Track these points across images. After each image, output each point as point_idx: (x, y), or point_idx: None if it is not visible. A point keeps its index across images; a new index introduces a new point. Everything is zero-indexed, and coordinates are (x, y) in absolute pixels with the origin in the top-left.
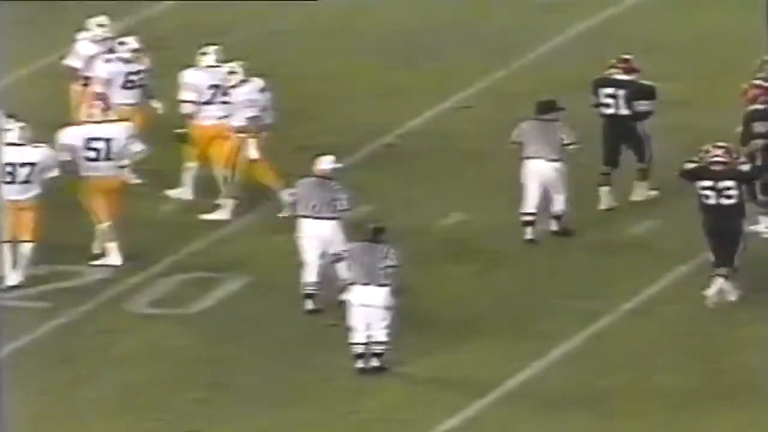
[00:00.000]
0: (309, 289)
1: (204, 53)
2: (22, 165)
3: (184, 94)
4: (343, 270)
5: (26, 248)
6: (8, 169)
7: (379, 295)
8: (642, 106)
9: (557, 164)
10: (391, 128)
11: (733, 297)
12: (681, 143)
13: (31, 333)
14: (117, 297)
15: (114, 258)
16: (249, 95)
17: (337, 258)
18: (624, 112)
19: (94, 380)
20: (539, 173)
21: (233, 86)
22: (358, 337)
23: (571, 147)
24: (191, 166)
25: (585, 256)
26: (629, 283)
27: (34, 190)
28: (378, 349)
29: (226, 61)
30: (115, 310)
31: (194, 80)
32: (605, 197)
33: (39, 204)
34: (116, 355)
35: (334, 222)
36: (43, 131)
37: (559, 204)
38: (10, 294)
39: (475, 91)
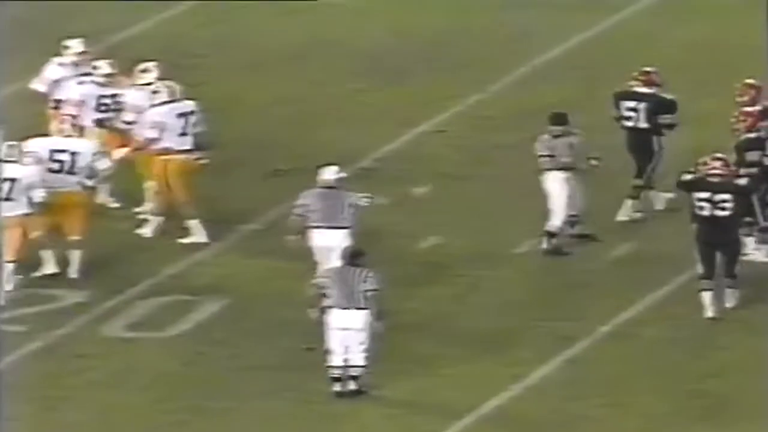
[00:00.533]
0: None
1: (144, 71)
2: (6, 180)
3: (124, 114)
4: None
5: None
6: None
7: (358, 318)
8: (665, 119)
9: (567, 174)
10: (367, 152)
11: (729, 303)
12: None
13: (7, 356)
14: (94, 320)
15: (49, 267)
16: (161, 117)
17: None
18: (643, 125)
19: (71, 404)
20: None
21: (153, 105)
22: (336, 360)
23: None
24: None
25: (562, 279)
26: (606, 305)
27: (21, 208)
28: (356, 372)
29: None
30: (92, 333)
31: (132, 100)
32: (626, 209)
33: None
34: (93, 378)
35: (344, 231)
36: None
37: (556, 219)
38: None
39: (450, 114)
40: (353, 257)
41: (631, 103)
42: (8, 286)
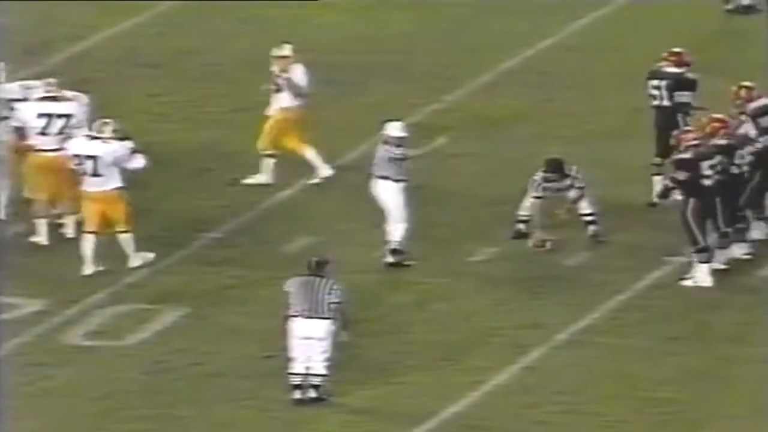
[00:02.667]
0: None
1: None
2: (87, 157)
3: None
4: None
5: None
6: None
7: (321, 327)
8: (682, 97)
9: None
10: (326, 162)
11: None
12: (608, 175)
13: None
14: (52, 329)
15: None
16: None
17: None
18: (666, 103)
19: (30, 413)
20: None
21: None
22: (298, 368)
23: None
24: None
25: (518, 287)
26: (563, 314)
27: (110, 183)
28: (317, 381)
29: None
30: (51, 342)
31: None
32: (657, 187)
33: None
34: (52, 387)
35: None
36: None
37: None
38: None
39: (407, 124)
40: (318, 267)
41: (656, 82)
42: (130, 262)
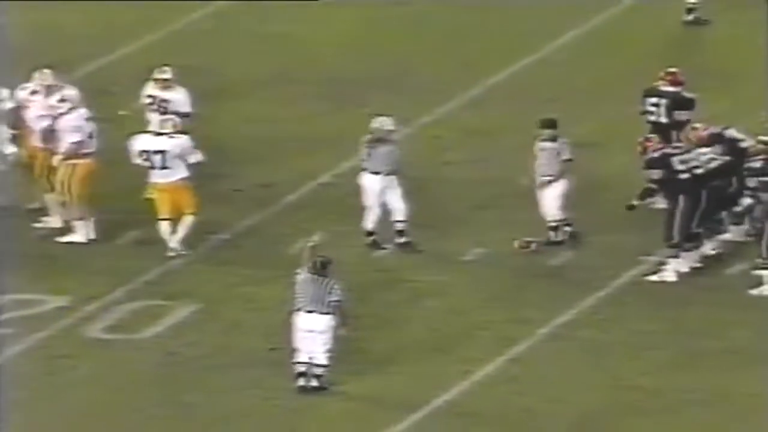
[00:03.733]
0: None
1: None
2: (156, 152)
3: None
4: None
5: (185, 221)
6: (144, 155)
7: (322, 322)
8: (681, 115)
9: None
10: (326, 169)
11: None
12: (586, 181)
13: None
14: (74, 324)
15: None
16: (75, 122)
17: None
18: (664, 120)
19: (53, 401)
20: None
21: (62, 113)
22: (301, 357)
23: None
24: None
25: (505, 285)
26: (545, 309)
27: (176, 174)
28: (319, 371)
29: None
30: (73, 335)
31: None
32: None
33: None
34: (74, 377)
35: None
36: None
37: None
38: None
39: (402, 135)
40: (322, 267)
41: (654, 99)
42: (173, 242)
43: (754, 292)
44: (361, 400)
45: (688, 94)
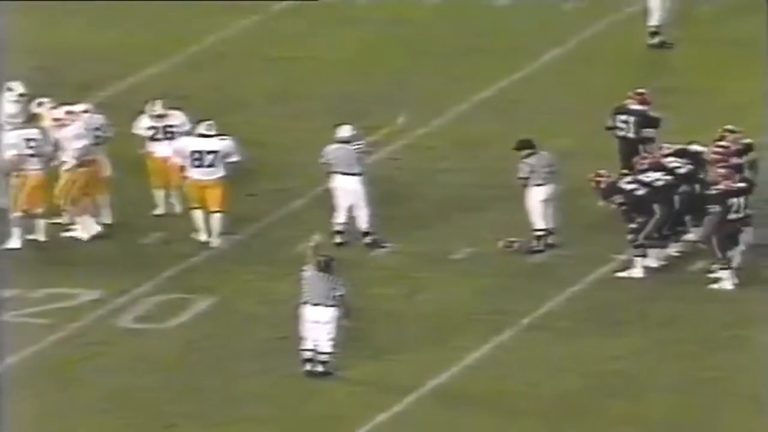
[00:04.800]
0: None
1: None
2: (208, 152)
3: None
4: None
5: (218, 217)
6: (196, 155)
7: (327, 314)
8: (648, 133)
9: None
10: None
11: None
12: (565, 187)
13: (33, 345)
14: (106, 315)
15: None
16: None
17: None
18: (631, 135)
19: (87, 385)
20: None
21: (65, 125)
22: (308, 344)
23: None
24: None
25: (491, 280)
26: (528, 302)
27: (219, 173)
28: (324, 358)
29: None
30: (105, 325)
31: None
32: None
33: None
34: (106, 363)
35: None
36: None
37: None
38: (16, 312)
39: (401, 145)
40: (327, 264)
41: (623, 117)
42: (209, 236)
43: (714, 286)
44: (363, 383)
45: (654, 114)
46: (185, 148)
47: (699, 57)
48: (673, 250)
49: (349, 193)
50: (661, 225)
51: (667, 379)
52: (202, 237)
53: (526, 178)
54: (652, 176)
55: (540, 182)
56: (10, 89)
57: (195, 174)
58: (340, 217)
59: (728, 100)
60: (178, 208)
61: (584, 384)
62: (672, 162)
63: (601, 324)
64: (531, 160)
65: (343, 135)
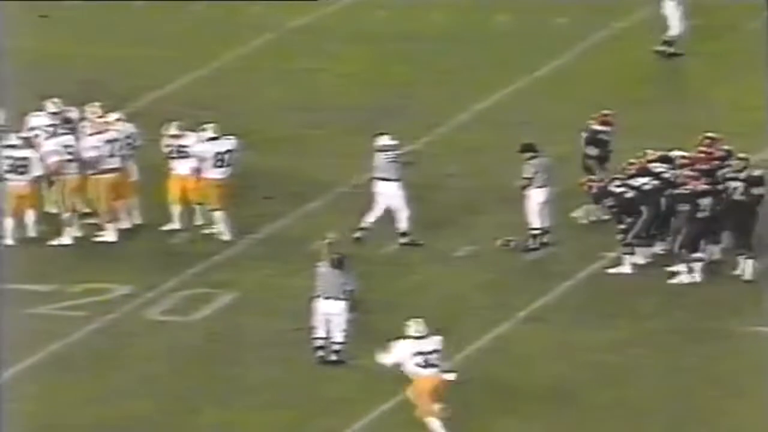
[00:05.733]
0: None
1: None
2: (226, 152)
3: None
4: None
5: (222, 214)
6: (219, 156)
7: (338, 306)
8: (590, 150)
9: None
10: (343, 180)
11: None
12: (557, 190)
13: (70, 336)
14: (137, 307)
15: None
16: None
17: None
18: (585, 151)
19: (120, 371)
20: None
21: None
22: (319, 333)
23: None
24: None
25: (490, 276)
26: (524, 296)
27: (230, 171)
28: (336, 347)
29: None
30: (136, 317)
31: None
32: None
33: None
34: (136, 352)
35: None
36: None
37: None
38: (55, 305)
39: (407, 152)
40: (339, 261)
41: (584, 134)
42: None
43: (673, 281)
44: (372, 371)
45: (604, 137)
46: (206, 152)
47: (688, 68)
48: (658, 248)
49: (388, 197)
50: (648, 225)
51: (651, 367)
52: (226, 234)
53: (530, 179)
54: (640, 180)
55: (541, 185)
56: (49, 103)
57: (213, 174)
58: (371, 218)
59: (715, 109)
60: (200, 221)
61: (576, 371)
62: (657, 167)
63: (592, 316)
64: (534, 162)
65: (382, 143)
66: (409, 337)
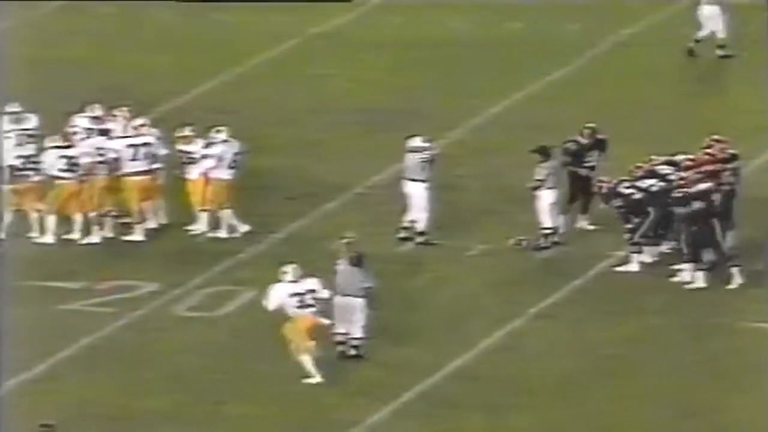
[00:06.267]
0: None
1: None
2: (238, 154)
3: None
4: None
5: (229, 212)
6: (234, 158)
7: (357, 304)
8: (566, 160)
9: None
10: (361, 181)
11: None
12: (564, 193)
13: (100, 331)
14: (164, 304)
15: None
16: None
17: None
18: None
19: (147, 365)
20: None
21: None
22: (340, 329)
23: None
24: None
25: (502, 274)
26: (535, 293)
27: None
28: (356, 342)
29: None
30: (163, 313)
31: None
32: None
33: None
34: (163, 347)
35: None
36: None
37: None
38: (86, 301)
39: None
40: (358, 260)
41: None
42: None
43: (675, 279)
44: (390, 365)
45: (576, 146)
46: (225, 153)
47: (695, 72)
48: (665, 247)
49: (414, 197)
50: (655, 225)
51: (658, 362)
52: (243, 227)
53: (542, 181)
54: (647, 182)
55: (551, 186)
56: (92, 107)
57: (225, 175)
58: (408, 217)
59: (718, 112)
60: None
61: (585, 365)
62: (664, 169)
63: (601, 313)
64: (546, 164)
65: (413, 145)
66: (284, 281)
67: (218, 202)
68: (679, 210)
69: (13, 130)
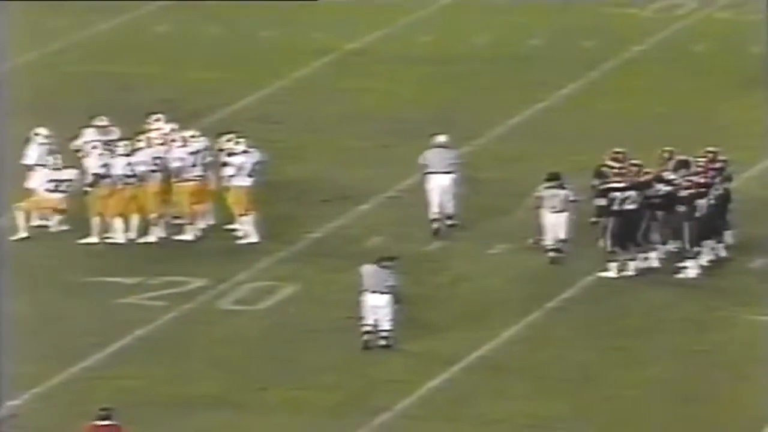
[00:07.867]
0: None
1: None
2: (257, 163)
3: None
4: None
5: (249, 218)
6: (255, 166)
7: (384, 299)
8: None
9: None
10: (392, 185)
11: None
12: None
13: (152, 323)
14: (210, 298)
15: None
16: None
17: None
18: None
19: (196, 355)
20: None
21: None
22: (367, 321)
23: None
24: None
25: (522, 271)
26: (552, 289)
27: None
28: (384, 334)
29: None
30: (209, 307)
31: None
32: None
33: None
34: (211, 338)
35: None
36: None
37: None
38: (139, 296)
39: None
40: (383, 260)
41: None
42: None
43: (680, 276)
44: (416, 355)
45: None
46: (246, 162)
47: (697, 85)
48: (671, 246)
49: (441, 188)
50: (662, 227)
51: (665, 352)
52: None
53: (540, 200)
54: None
55: (558, 209)
56: (154, 120)
57: (246, 182)
58: (434, 210)
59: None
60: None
61: (598, 356)
62: (669, 175)
63: (612, 307)
64: (551, 192)
65: (439, 140)
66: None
67: (242, 207)
68: (682, 209)
69: (100, 140)
